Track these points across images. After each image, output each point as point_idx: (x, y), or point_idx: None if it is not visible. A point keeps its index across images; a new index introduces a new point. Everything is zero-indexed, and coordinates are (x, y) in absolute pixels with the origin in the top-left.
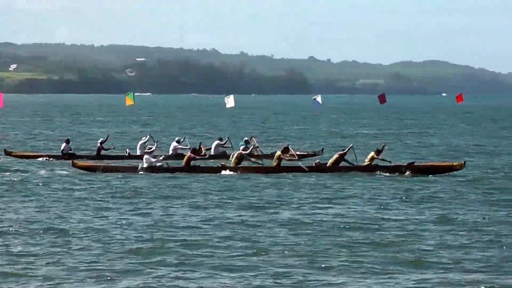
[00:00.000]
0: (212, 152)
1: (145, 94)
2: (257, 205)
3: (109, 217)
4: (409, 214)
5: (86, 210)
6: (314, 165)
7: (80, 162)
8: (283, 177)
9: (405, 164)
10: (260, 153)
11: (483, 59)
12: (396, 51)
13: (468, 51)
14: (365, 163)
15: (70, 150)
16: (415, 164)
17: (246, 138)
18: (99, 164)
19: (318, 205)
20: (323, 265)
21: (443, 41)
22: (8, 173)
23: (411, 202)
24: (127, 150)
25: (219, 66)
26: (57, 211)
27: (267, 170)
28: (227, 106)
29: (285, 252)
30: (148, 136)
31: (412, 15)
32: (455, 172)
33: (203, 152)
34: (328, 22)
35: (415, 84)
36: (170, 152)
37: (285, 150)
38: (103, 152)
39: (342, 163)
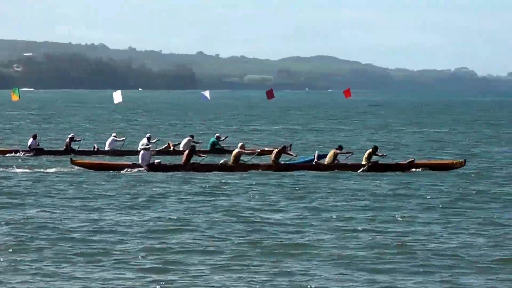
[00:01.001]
0: (181, 148)
1: (28, 89)
2: (262, 203)
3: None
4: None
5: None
6: (314, 163)
7: (80, 160)
8: (286, 174)
9: (406, 162)
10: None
11: (371, 55)
12: (285, 46)
13: (356, 47)
14: (363, 161)
15: (38, 145)
16: (416, 161)
17: (217, 134)
18: (99, 162)
19: (325, 202)
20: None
21: (331, 37)
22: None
23: (413, 199)
24: (95, 145)
25: (108, 61)
26: (59, 211)
27: (267, 168)
28: (115, 101)
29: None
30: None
31: (300, 10)
32: (455, 170)
33: (172, 149)
34: (217, 17)
35: (303, 79)
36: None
37: (283, 149)
38: (72, 144)
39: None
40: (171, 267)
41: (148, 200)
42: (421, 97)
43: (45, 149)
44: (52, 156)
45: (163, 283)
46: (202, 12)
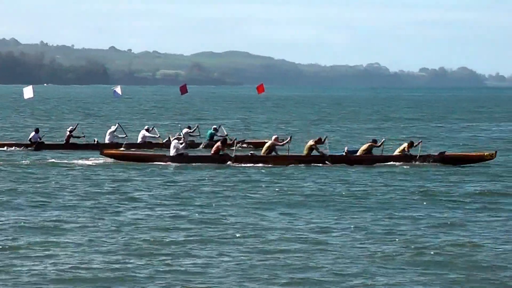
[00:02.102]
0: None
1: None
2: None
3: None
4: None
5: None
6: (344, 154)
7: (108, 150)
8: (315, 167)
9: (436, 153)
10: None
11: (283, 50)
12: (198, 41)
13: (268, 42)
14: (397, 153)
15: (40, 139)
16: (446, 153)
17: (214, 126)
18: (128, 153)
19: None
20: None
21: (244, 32)
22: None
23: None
24: (95, 139)
25: (19, 56)
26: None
27: (299, 160)
28: (25, 97)
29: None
30: (117, 125)
31: (212, 5)
32: (486, 162)
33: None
34: (130, 12)
35: (216, 75)
36: (139, 140)
37: (319, 141)
38: (72, 140)
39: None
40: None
41: (187, 192)
42: (334, 92)
43: (46, 143)
44: (54, 150)
45: (220, 272)
46: (115, 5)
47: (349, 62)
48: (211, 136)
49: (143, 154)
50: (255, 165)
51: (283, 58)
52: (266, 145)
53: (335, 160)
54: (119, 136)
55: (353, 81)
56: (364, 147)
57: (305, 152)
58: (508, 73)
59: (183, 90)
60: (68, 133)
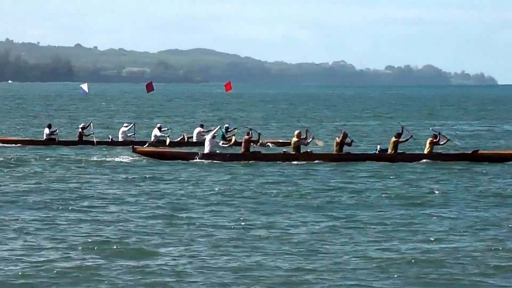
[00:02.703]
0: (194, 140)
1: None
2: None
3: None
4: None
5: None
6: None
7: (141, 148)
8: (349, 164)
9: (470, 151)
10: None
11: (250, 48)
12: (163, 39)
13: (235, 40)
14: (426, 151)
15: (52, 134)
16: (480, 151)
17: (226, 125)
18: (160, 150)
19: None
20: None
21: (209, 29)
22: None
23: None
24: (110, 136)
25: None
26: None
27: (330, 158)
28: None
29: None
30: (132, 124)
31: (178, 3)
32: None
33: (186, 140)
34: (96, 9)
35: (182, 72)
36: (152, 139)
37: (344, 136)
38: (84, 138)
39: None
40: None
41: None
42: (301, 90)
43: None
44: (65, 146)
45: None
46: (81, 3)
47: (316, 60)
48: (223, 136)
49: (175, 152)
50: (291, 163)
51: (249, 56)
52: (293, 142)
53: (367, 158)
54: (128, 134)
55: (319, 79)
56: (391, 144)
57: (335, 149)
58: (473, 71)
59: (149, 88)
60: (80, 130)
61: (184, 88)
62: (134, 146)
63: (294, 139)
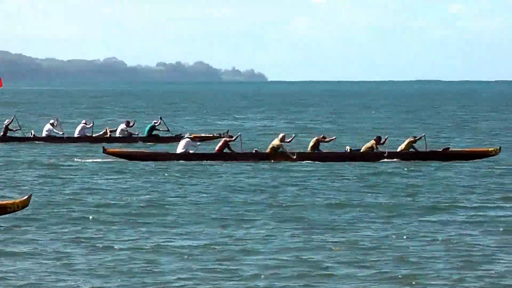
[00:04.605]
0: (117, 135)
1: None
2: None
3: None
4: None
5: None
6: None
7: (111, 149)
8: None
9: (440, 149)
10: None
11: (21, 45)
12: None
13: (4, 37)
14: (400, 150)
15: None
16: (450, 149)
17: (155, 120)
18: (131, 151)
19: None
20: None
21: None
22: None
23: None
24: (32, 131)
25: None
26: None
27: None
28: None
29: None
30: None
31: None
32: (489, 157)
33: (108, 134)
34: None
35: None
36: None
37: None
38: (9, 133)
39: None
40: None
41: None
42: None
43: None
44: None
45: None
46: None
47: (87, 57)
48: (150, 129)
49: (148, 153)
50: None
51: (20, 53)
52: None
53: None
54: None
55: (92, 76)
56: (368, 145)
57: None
58: (244, 68)
59: None
60: (5, 125)
61: None
62: (104, 147)
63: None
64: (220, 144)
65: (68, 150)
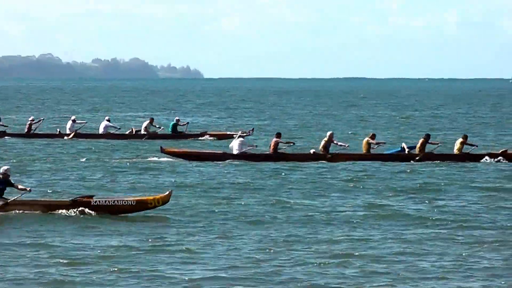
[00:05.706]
0: (142, 132)
1: None
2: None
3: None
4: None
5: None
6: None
7: (169, 148)
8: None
9: (499, 151)
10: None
11: None
12: None
13: None
14: (455, 152)
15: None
16: (509, 151)
17: (177, 117)
18: (190, 151)
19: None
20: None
21: None
22: None
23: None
24: (58, 129)
25: None
26: None
27: (360, 157)
28: None
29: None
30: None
31: None
32: None
33: (134, 133)
34: None
35: None
36: (101, 131)
37: (373, 137)
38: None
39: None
40: None
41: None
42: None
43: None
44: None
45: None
46: None
47: (22, 53)
48: (174, 127)
49: (205, 153)
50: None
51: None
52: (323, 142)
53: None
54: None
55: (26, 72)
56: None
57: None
58: (180, 64)
59: None
60: (29, 122)
61: None
62: (162, 147)
63: (327, 137)
64: (272, 144)
65: (134, 146)
